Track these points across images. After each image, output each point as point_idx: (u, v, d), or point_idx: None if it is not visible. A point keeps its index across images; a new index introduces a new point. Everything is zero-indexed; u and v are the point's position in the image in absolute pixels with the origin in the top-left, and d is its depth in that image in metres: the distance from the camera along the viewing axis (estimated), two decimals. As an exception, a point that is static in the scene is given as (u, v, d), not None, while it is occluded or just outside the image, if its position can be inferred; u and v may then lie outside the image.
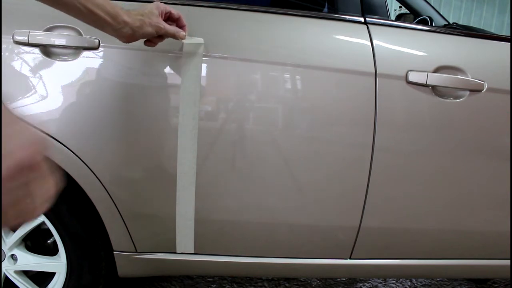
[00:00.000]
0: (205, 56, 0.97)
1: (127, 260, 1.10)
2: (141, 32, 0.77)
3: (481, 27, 4.39)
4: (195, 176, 0.98)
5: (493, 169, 1.09)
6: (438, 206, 1.11)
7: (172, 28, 0.83)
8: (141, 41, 0.97)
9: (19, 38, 0.92)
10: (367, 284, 1.64)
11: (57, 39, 0.93)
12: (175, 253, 1.09)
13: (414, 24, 1.28)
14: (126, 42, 0.79)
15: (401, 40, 1.05)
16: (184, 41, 0.89)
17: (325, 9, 1.31)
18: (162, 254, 1.11)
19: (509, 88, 1.04)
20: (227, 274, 1.42)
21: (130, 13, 0.75)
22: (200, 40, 0.92)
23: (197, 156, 0.96)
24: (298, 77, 1.00)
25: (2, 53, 0.92)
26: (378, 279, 1.67)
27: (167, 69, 0.97)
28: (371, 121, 1.00)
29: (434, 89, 1.02)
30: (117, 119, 0.97)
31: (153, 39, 0.82)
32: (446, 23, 1.87)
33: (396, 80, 1.01)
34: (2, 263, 1.09)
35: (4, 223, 0.31)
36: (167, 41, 0.99)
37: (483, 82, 1.03)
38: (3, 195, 0.29)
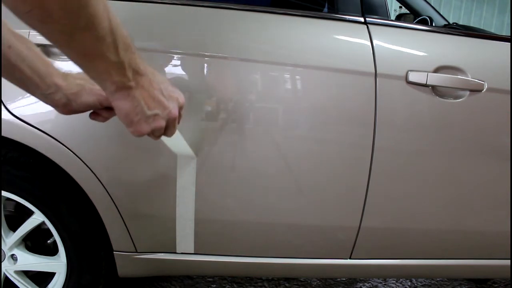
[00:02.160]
0: (205, 56, 0.97)
1: (127, 260, 1.10)
2: (79, 102, 0.58)
3: (481, 27, 4.39)
4: (195, 176, 0.98)
5: (493, 169, 1.09)
6: (438, 206, 1.11)
7: None
8: (139, 39, 0.97)
9: (19, 38, 0.92)
10: (367, 284, 1.64)
11: (57, 39, 0.93)
12: (175, 253, 1.09)
13: (414, 24, 1.28)
14: (64, 114, 0.60)
15: (401, 40, 1.05)
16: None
17: (325, 9, 1.31)
18: (162, 254, 1.11)
19: (509, 88, 1.04)
20: (227, 274, 1.42)
21: (69, 76, 0.58)
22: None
23: (197, 156, 0.96)
24: (298, 77, 1.00)
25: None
26: (378, 279, 1.67)
27: (167, 69, 0.97)
28: (371, 121, 1.00)
29: (434, 89, 1.02)
30: (117, 119, 0.97)
31: (100, 111, 0.61)
32: (446, 23, 1.87)
33: (396, 80, 1.01)
34: (2, 263, 1.09)
35: (157, 132, 0.54)
36: (167, 40, 0.99)
37: (483, 82, 1.03)
38: (178, 118, 0.56)
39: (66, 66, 0.93)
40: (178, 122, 0.58)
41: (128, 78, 0.46)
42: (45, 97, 0.57)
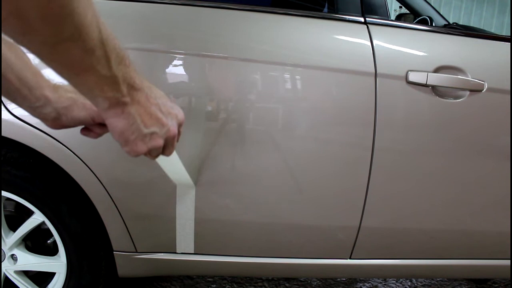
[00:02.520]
0: (205, 56, 0.97)
1: (127, 260, 1.10)
2: (70, 116, 0.54)
3: (481, 27, 4.39)
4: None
5: (493, 169, 1.09)
6: (438, 206, 1.11)
7: None
8: (139, 39, 0.97)
9: (19, 38, 0.92)
10: (367, 284, 1.64)
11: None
12: (175, 253, 1.09)
13: (414, 24, 1.27)
14: (53, 128, 0.55)
15: (401, 40, 1.05)
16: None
17: (325, 9, 1.31)
18: (162, 254, 1.11)
19: (509, 88, 1.04)
20: (227, 274, 1.42)
21: (60, 88, 0.53)
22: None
23: (197, 156, 0.96)
24: (298, 77, 1.00)
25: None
26: (378, 279, 1.67)
27: (168, 69, 0.97)
28: (371, 121, 1.00)
29: (434, 89, 1.02)
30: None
31: (92, 127, 0.57)
32: (446, 23, 1.87)
33: (396, 80, 1.00)
34: (2, 263, 1.09)
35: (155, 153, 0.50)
36: (168, 40, 0.99)
37: (483, 82, 1.03)
38: (177, 135, 0.51)
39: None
40: (177, 140, 0.53)
41: (122, 93, 0.42)
42: (33, 110, 0.53)
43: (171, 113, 0.50)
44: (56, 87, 0.53)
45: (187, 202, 1.01)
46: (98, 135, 0.58)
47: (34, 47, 0.34)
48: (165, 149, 0.52)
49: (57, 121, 0.54)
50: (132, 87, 0.43)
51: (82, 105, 0.54)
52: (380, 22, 1.06)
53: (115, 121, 0.44)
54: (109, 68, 0.39)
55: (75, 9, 0.32)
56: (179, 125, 0.52)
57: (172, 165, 0.74)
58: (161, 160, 0.58)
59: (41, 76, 0.51)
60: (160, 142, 0.49)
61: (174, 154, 0.61)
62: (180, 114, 0.52)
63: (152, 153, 0.50)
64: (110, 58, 0.39)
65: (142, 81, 0.45)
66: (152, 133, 0.47)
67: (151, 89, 0.47)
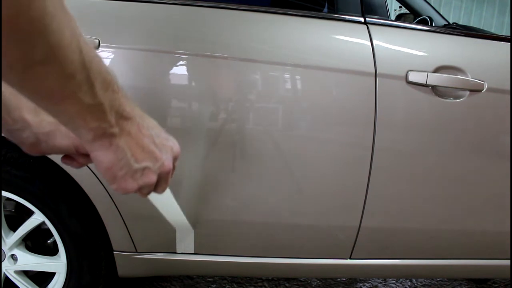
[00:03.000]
0: (205, 56, 0.97)
1: (127, 260, 1.10)
2: (51, 144, 0.49)
3: (481, 27, 4.39)
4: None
5: (493, 169, 1.09)
6: (438, 206, 1.11)
7: None
8: (140, 39, 0.97)
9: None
10: (367, 284, 1.64)
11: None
12: (175, 253, 1.09)
13: (414, 24, 1.27)
14: (31, 153, 0.51)
15: (401, 40, 1.05)
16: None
17: (325, 9, 1.31)
18: (162, 254, 1.11)
19: (509, 88, 1.04)
20: (227, 274, 1.42)
21: (42, 111, 0.46)
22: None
23: (197, 156, 0.96)
24: (298, 77, 1.00)
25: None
26: (378, 279, 1.67)
27: (170, 70, 0.97)
28: (371, 121, 1.01)
29: (434, 89, 1.02)
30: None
31: (76, 156, 0.51)
32: (446, 23, 1.87)
33: (396, 80, 1.01)
34: (2, 263, 1.09)
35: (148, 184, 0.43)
36: (167, 40, 0.99)
37: (483, 82, 1.03)
38: (171, 170, 0.45)
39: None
40: (171, 176, 0.46)
41: (110, 123, 0.36)
42: (10, 133, 0.47)
43: (166, 145, 0.44)
44: (37, 110, 0.47)
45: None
46: (81, 165, 0.51)
47: (2, 72, 0.28)
48: (158, 186, 0.46)
49: (35, 147, 0.49)
50: (121, 116, 0.37)
51: (66, 133, 0.48)
52: (380, 22, 1.06)
53: (101, 155, 0.38)
54: (93, 95, 0.33)
55: (48, 26, 0.27)
56: (174, 159, 0.46)
57: (165, 204, 0.69)
58: (153, 198, 0.52)
59: (21, 97, 0.46)
60: (153, 178, 0.43)
61: (168, 192, 0.56)
62: (176, 147, 0.46)
63: (143, 190, 0.44)
64: (94, 83, 0.33)
65: (133, 109, 0.39)
66: (144, 168, 0.41)
67: (143, 118, 0.41)
